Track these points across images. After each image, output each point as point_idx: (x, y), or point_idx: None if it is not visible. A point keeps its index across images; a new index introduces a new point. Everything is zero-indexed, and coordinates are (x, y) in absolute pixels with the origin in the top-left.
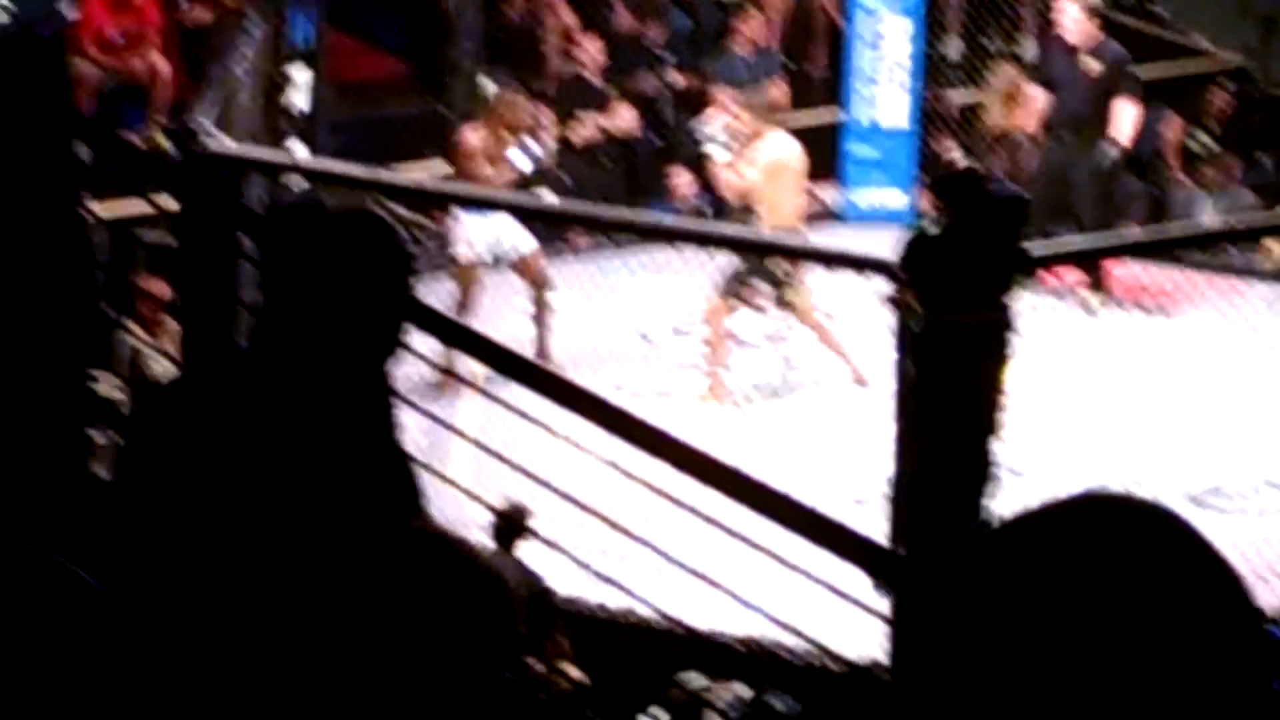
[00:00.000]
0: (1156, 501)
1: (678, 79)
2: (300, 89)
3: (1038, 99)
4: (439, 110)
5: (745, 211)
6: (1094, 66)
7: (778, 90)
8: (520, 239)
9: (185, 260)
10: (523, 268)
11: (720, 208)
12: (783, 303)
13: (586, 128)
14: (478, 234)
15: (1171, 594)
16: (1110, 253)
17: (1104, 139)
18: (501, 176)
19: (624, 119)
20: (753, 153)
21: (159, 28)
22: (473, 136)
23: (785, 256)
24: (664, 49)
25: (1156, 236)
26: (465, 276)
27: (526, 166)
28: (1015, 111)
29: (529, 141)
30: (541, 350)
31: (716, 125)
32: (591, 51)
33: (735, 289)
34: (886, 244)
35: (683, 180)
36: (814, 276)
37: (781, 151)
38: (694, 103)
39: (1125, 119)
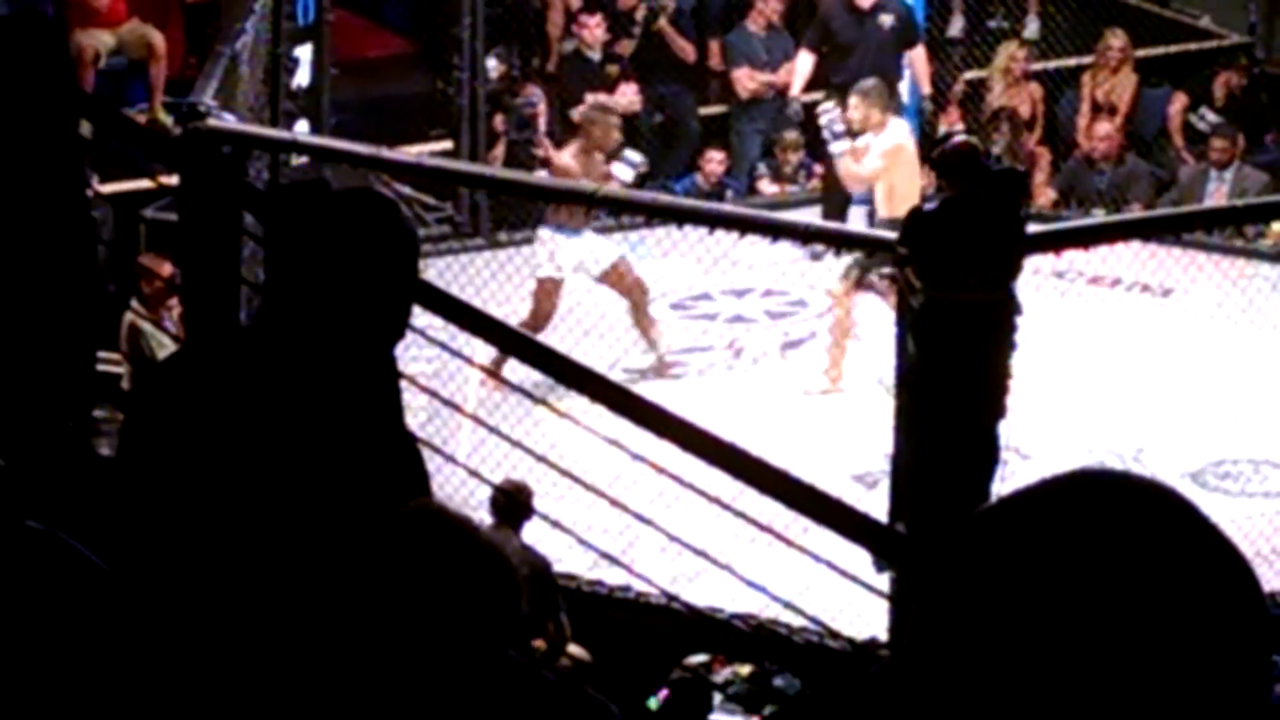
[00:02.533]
0: (1155, 479)
1: (684, 48)
2: (303, 66)
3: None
4: (442, 89)
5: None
6: (888, 21)
7: (788, 72)
8: (602, 251)
9: (187, 238)
10: (613, 278)
11: (751, 187)
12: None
13: (586, 105)
14: (567, 254)
15: (1171, 571)
16: (1115, 233)
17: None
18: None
19: (625, 97)
20: (874, 140)
21: (160, 3)
22: (569, 161)
23: (787, 237)
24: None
25: (1160, 216)
26: (544, 294)
27: (629, 176)
28: (1016, 89)
29: (629, 152)
30: (659, 361)
31: (833, 115)
32: (591, 27)
33: (858, 274)
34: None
35: (714, 159)
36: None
37: (900, 136)
38: (699, 80)
39: (924, 67)
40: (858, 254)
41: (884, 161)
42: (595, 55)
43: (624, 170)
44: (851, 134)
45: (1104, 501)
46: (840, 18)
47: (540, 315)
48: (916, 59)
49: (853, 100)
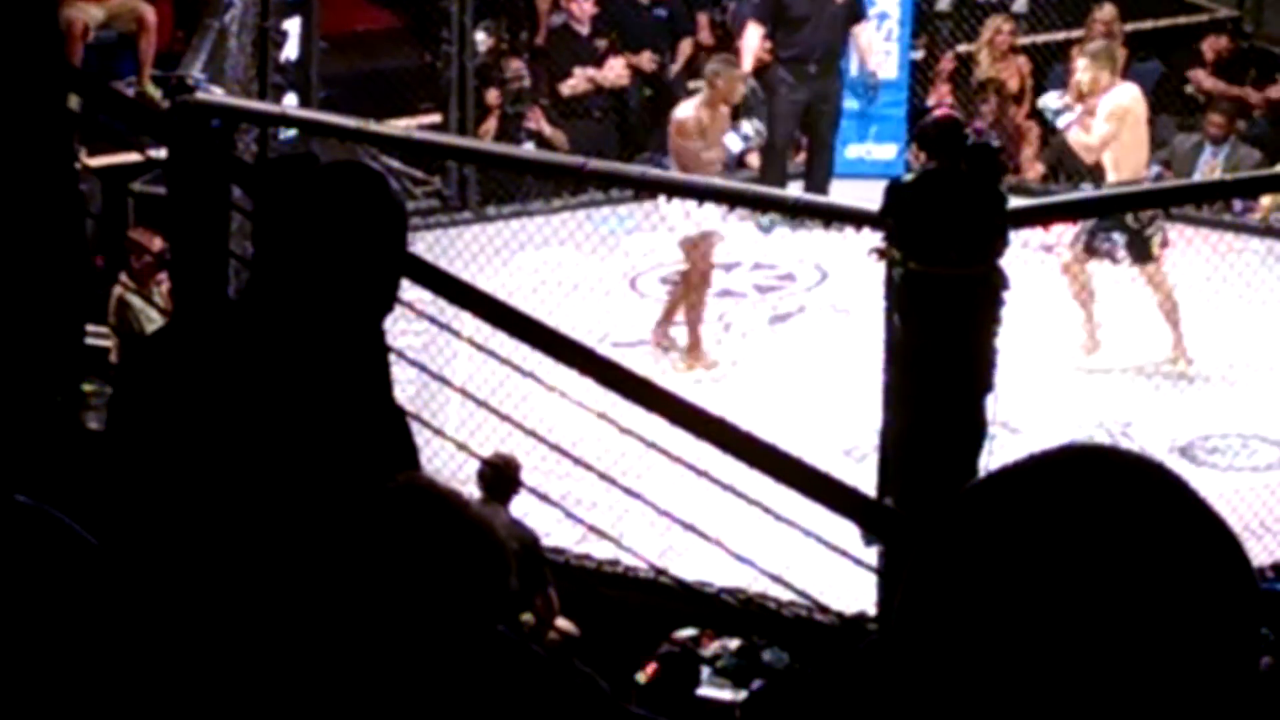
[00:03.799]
0: (1144, 453)
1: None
2: (291, 40)
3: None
4: (430, 62)
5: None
6: None
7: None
8: (710, 218)
9: (175, 211)
10: (694, 247)
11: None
12: (1141, 254)
13: (576, 80)
14: (701, 210)
15: (1160, 545)
16: (1102, 207)
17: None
18: (718, 159)
19: (614, 71)
20: (1099, 105)
21: None
22: (692, 114)
23: (764, 209)
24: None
25: (1148, 190)
26: (697, 253)
27: (738, 148)
28: (1005, 62)
29: (743, 122)
30: (696, 354)
31: (1051, 96)
32: (581, 2)
33: (1086, 240)
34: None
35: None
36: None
37: (1126, 98)
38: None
39: (869, 43)
40: (1085, 223)
41: (1112, 125)
42: (584, 29)
43: (735, 141)
44: (1078, 99)
45: (1092, 476)
46: None
47: (700, 274)
48: (862, 34)
49: (1081, 64)
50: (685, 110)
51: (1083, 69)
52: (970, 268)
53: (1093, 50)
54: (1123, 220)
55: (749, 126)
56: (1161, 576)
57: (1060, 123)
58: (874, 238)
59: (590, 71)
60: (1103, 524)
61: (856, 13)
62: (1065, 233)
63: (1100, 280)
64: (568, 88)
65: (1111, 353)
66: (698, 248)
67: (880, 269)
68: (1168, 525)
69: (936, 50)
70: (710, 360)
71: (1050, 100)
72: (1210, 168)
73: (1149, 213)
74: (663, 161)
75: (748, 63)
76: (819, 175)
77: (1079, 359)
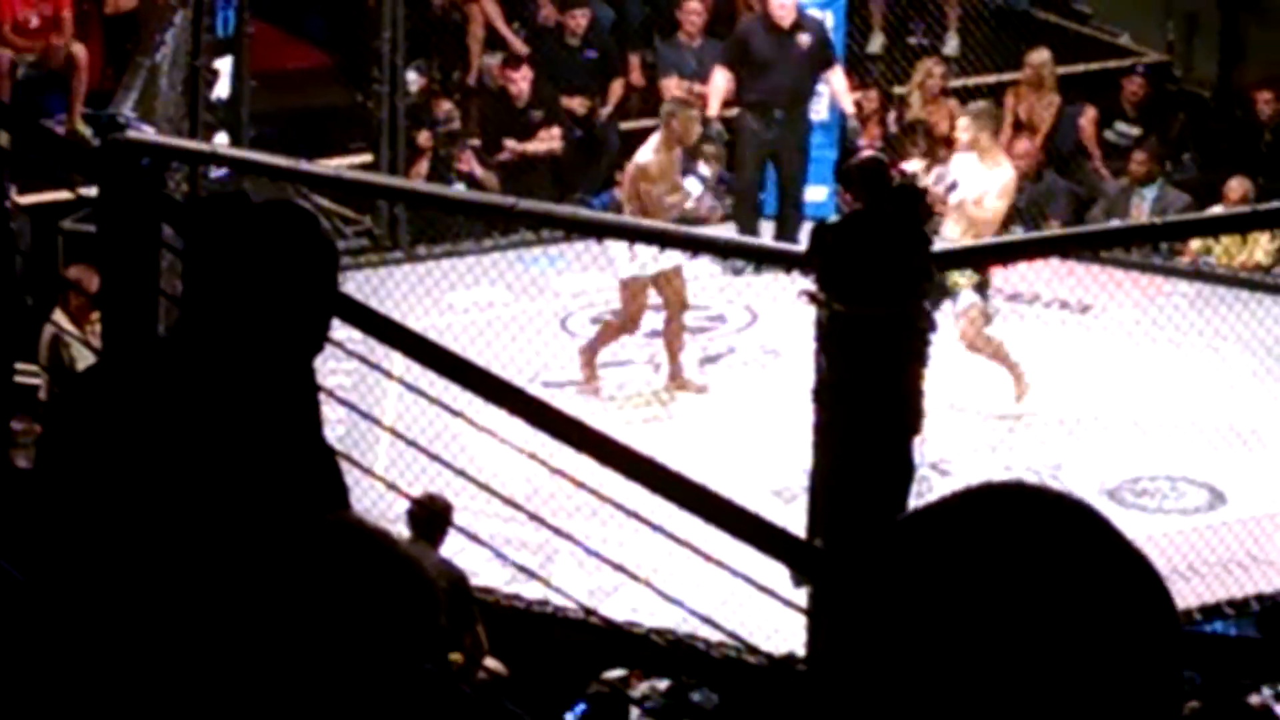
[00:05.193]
0: (1067, 493)
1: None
2: (222, 78)
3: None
4: (362, 102)
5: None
6: (805, 40)
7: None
8: (668, 253)
9: (106, 248)
10: (665, 282)
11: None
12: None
13: (509, 152)
14: (646, 250)
15: (1084, 584)
16: (1033, 250)
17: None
18: (678, 204)
19: (545, 144)
20: (988, 178)
21: (76, 14)
22: (653, 158)
23: (700, 251)
24: (588, 39)
25: (1077, 234)
26: (631, 294)
27: (698, 190)
28: (935, 105)
29: (700, 165)
30: (674, 373)
31: (940, 171)
32: (519, 80)
33: (980, 305)
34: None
35: None
36: None
37: (1007, 178)
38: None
39: (843, 86)
40: (966, 289)
41: (1005, 201)
42: (520, 103)
43: (694, 184)
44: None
45: (1016, 514)
46: (758, 35)
47: (631, 316)
48: (834, 78)
49: (962, 122)
50: (645, 155)
51: (963, 127)
52: (893, 308)
53: (975, 110)
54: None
55: (706, 169)
56: (1086, 615)
57: (953, 198)
58: (804, 280)
59: (524, 146)
60: (1025, 561)
61: (826, 57)
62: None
63: (1018, 329)
64: (502, 154)
65: (1040, 397)
66: (674, 282)
67: (811, 311)
68: (1090, 563)
69: (868, 92)
70: (697, 384)
71: (939, 173)
72: (1138, 211)
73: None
74: (592, 202)
75: (714, 107)
76: (789, 220)
77: (1008, 403)
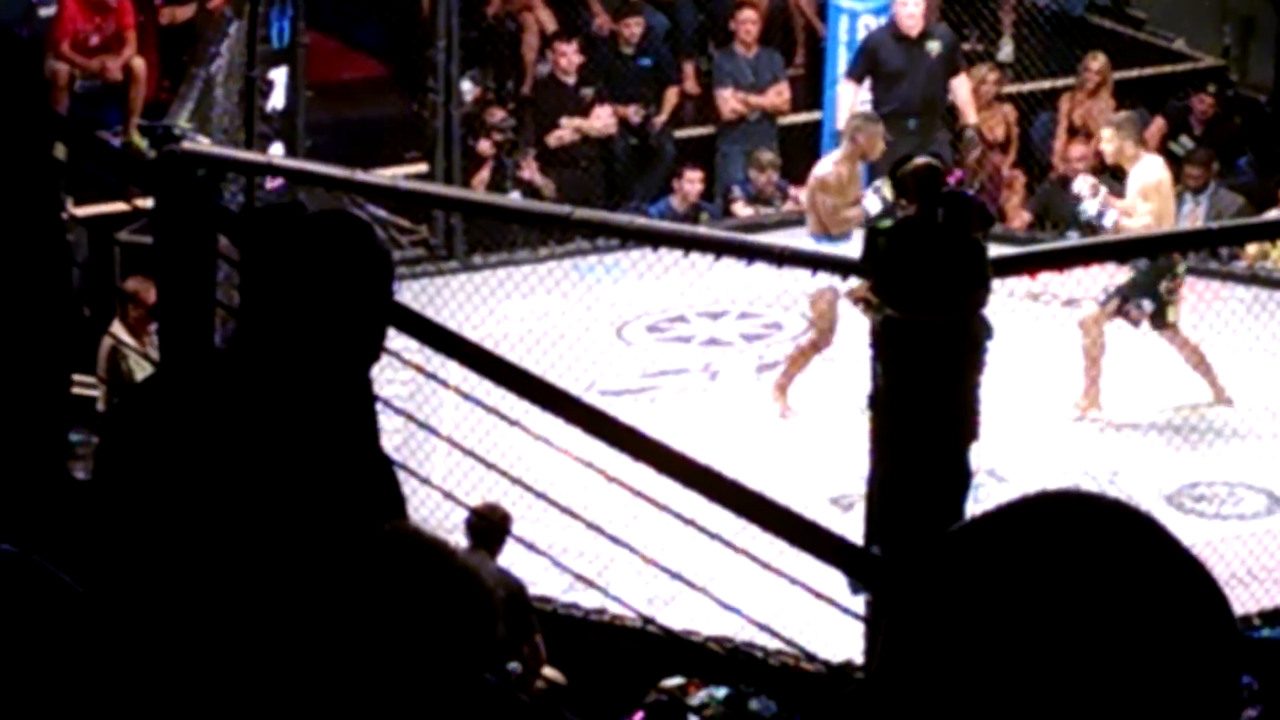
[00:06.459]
0: (1124, 500)
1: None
2: (277, 89)
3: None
4: (417, 111)
5: None
6: (935, 48)
7: (778, 94)
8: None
9: (162, 261)
10: (810, 300)
11: (725, 209)
12: (1160, 323)
13: (564, 131)
14: None
15: (1141, 593)
16: (1089, 256)
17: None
18: (854, 220)
19: (600, 120)
20: (1128, 188)
21: (136, 27)
22: (833, 170)
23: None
24: (642, 47)
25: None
26: (824, 306)
27: (876, 209)
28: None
29: (879, 182)
30: (782, 383)
31: (1090, 203)
32: (568, 54)
33: (1118, 302)
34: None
35: (692, 179)
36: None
37: (1150, 174)
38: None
39: (968, 94)
40: (1121, 282)
41: (1153, 204)
42: (570, 79)
43: (874, 202)
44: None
45: (1072, 522)
46: (888, 46)
47: (826, 328)
48: (959, 86)
49: (1105, 133)
50: (825, 166)
51: (1108, 139)
52: (949, 316)
53: (1118, 120)
54: (1155, 287)
55: (887, 188)
56: (1144, 623)
57: (1107, 222)
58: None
59: (577, 121)
60: (1080, 570)
61: (954, 65)
62: (1093, 287)
63: (1072, 335)
64: (555, 139)
65: (1104, 401)
66: (819, 304)
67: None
68: (1149, 572)
69: None
70: (788, 407)
71: (1089, 206)
72: (1192, 216)
73: (1175, 283)
74: (648, 210)
75: (842, 120)
76: None
77: (1072, 411)
